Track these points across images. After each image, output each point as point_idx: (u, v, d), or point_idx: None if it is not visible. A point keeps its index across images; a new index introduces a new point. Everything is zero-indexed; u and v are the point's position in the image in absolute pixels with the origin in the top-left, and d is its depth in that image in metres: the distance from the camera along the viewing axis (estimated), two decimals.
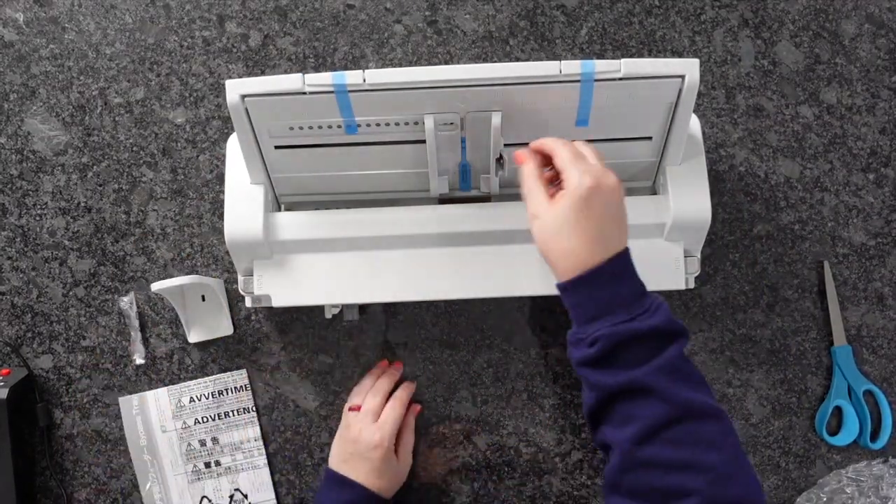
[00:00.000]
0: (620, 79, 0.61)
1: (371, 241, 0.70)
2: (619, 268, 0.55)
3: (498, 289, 0.70)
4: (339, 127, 0.64)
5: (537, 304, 0.80)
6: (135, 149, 0.81)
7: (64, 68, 0.81)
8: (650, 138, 0.68)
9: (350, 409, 0.75)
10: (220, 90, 0.81)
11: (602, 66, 0.60)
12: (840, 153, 0.82)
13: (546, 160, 0.60)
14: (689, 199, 0.69)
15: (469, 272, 0.70)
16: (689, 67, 0.61)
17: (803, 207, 0.82)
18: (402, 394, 0.75)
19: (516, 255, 0.70)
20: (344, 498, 0.69)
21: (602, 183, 0.55)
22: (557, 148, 0.58)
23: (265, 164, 0.68)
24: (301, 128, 0.64)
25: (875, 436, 0.80)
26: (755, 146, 0.82)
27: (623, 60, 0.60)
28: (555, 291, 0.58)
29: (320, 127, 0.64)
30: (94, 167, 0.80)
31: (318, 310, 0.80)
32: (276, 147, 0.66)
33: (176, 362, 0.80)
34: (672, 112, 0.65)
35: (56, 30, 0.81)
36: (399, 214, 0.69)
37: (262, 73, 0.81)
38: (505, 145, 0.66)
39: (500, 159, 0.66)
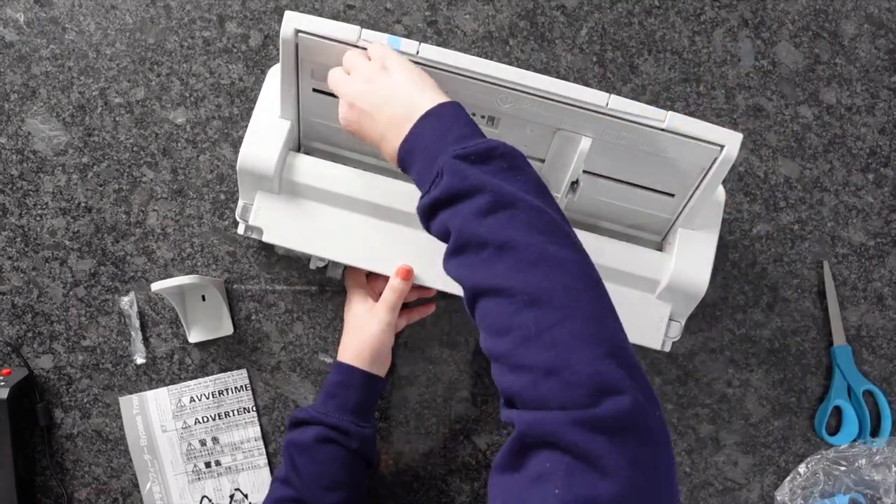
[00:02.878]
0: (662, 129, 0.61)
1: (379, 209, 0.68)
2: (428, 124, 0.52)
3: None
4: None
5: None
6: (135, 149, 0.81)
7: (64, 68, 0.81)
8: (672, 195, 0.68)
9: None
10: (220, 90, 0.81)
11: (649, 112, 0.60)
12: (840, 153, 0.82)
13: None
14: (691, 266, 0.68)
15: None
16: (731, 140, 0.61)
17: (803, 207, 0.82)
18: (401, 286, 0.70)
19: None
20: (333, 378, 0.69)
21: (353, 97, 0.57)
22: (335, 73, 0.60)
23: (299, 103, 0.68)
24: None
25: (875, 436, 0.80)
26: (755, 146, 0.82)
27: (669, 113, 0.60)
28: None
29: None
30: (95, 167, 0.81)
31: (319, 310, 0.80)
32: (314, 90, 0.67)
33: (176, 362, 0.80)
34: (702, 177, 0.64)
35: (56, 30, 0.81)
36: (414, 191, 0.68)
37: (262, 73, 0.81)
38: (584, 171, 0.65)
39: (575, 183, 0.65)
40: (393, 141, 0.55)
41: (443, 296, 0.80)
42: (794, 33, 0.83)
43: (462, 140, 0.51)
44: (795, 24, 0.83)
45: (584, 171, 0.65)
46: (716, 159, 0.62)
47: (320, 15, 0.81)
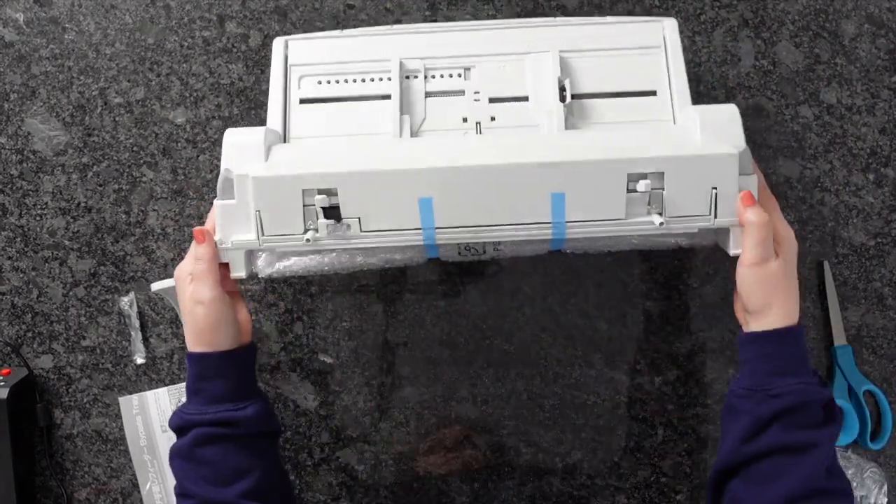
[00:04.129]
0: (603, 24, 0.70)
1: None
2: (802, 337, 0.60)
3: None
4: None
5: (537, 305, 0.80)
6: (135, 149, 0.81)
7: (64, 68, 0.81)
8: (654, 92, 0.68)
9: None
10: (220, 90, 0.81)
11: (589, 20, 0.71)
12: (840, 153, 0.82)
13: None
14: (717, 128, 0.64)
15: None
16: (666, 22, 0.70)
17: (803, 207, 0.82)
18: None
19: None
20: (191, 373, 0.61)
21: (795, 244, 0.62)
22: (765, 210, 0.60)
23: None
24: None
25: (875, 436, 0.80)
26: (755, 146, 0.82)
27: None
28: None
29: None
30: (95, 167, 0.80)
31: (319, 310, 0.80)
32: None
33: (176, 362, 0.80)
34: (666, 61, 0.69)
35: (56, 30, 0.81)
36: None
37: (262, 73, 0.81)
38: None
39: (563, 90, 0.66)
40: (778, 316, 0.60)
41: (443, 296, 0.80)
42: (795, 33, 0.83)
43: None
44: (796, 23, 0.83)
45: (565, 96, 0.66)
46: (665, 37, 0.66)
47: (320, 15, 0.81)
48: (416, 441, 0.80)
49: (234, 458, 0.59)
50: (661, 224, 0.60)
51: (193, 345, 0.61)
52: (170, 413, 0.79)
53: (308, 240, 0.61)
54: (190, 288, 0.61)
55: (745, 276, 0.59)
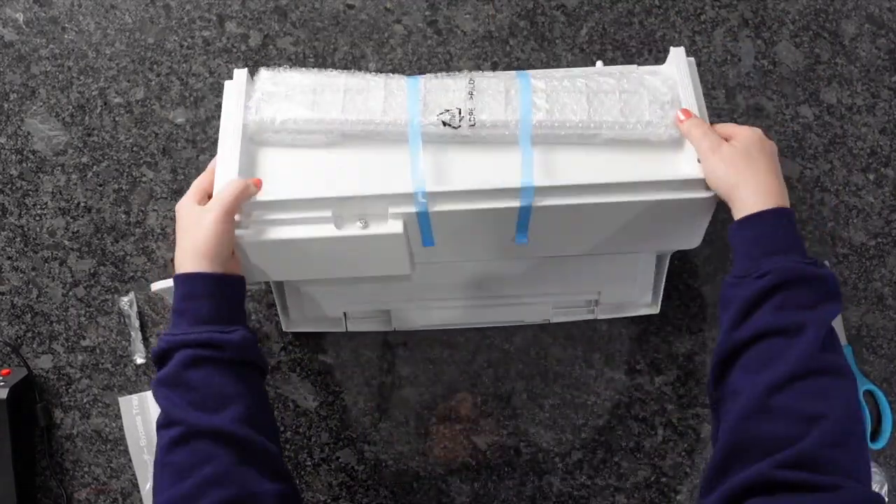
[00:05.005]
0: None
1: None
2: (789, 219, 0.58)
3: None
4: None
5: None
6: (135, 149, 0.81)
7: (64, 68, 0.81)
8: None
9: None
10: (220, 90, 0.81)
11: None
12: (840, 153, 0.82)
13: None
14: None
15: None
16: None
17: (803, 207, 0.82)
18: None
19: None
20: (177, 293, 0.58)
21: (766, 138, 0.62)
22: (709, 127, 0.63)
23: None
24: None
25: (875, 436, 0.80)
26: None
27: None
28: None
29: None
30: (94, 167, 0.80)
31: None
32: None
33: None
34: None
35: (56, 30, 0.81)
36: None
37: None
38: None
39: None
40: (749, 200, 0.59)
41: None
42: (795, 33, 0.83)
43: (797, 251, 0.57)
44: (796, 23, 0.83)
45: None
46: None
47: (320, 15, 0.81)
48: (416, 441, 0.80)
49: (221, 383, 0.56)
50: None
51: (187, 264, 0.59)
52: None
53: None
54: (210, 203, 0.60)
55: (706, 168, 0.62)
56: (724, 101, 0.82)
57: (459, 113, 0.65)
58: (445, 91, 0.67)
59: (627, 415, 0.81)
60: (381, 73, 0.69)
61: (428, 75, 0.68)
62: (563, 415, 0.81)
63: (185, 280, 0.58)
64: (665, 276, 0.76)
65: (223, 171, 0.63)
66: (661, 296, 0.77)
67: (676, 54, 0.68)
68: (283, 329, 0.78)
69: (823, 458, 0.47)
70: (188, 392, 0.54)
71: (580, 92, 0.66)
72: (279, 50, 0.81)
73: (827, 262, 0.81)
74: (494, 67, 0.82)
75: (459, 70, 0.82)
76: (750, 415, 0.51)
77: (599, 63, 0.74)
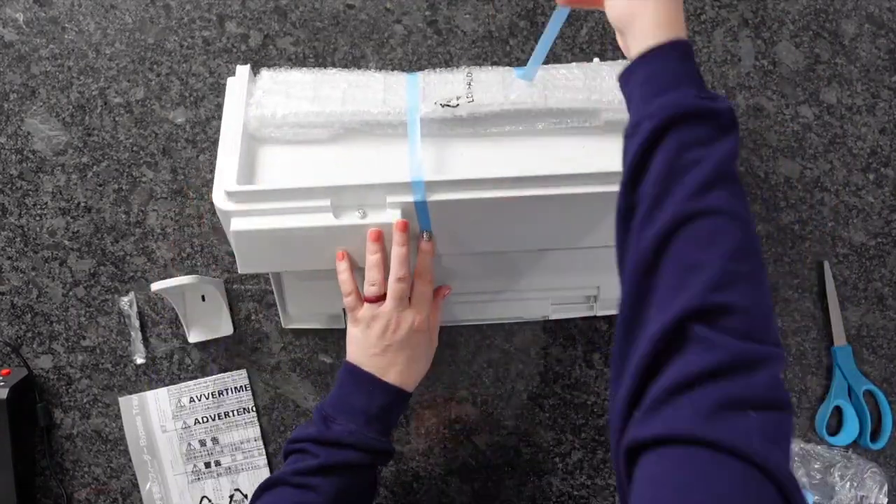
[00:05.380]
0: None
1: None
2: (685, 51, 0.50)
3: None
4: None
5: None
6: (135, 149, 0.81)
7: (64, 68, 0.81)
8: None
9: (364, 299, 0.64)
10: (220, 90, 0.81)
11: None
12: (840, 153, 0.82)
13: None
14: None
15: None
16: None
17: (803, 207, 0.82)
18: (425, 265, 0.65)
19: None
20: (379, 401, 0.62)
21: None
22: None
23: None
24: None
25: (875, 436, 0.80)
26: (755, 146, 0.82)
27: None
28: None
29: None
30: (94, 167, 0.80)
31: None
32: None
33: (176, 362, 0.80)
34: None
35: (56, 30, 0.81)
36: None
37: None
38: None
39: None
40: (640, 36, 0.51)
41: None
42: (795, 33, 0.83)
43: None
44: (796, 23, 0.83)
45: None
46: None
47: (320, 15, 0.81)
48: (416, 441, 0.80)
49: (369, 483, 0.64)
50: None
51: (402, 381, 0.64)
52: (170, 413, 0.79)
53: None
54: (429, 328, 0.66)
55: (607, 4, 0.54)
56: None
57: (458, 98, 0.67)
58: (444, 84, 0.68)
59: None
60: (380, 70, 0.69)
61: (426, 71, 0.69)
62: (563, 415, 0.81)
63: (393, 392, 0.63)
64: None
65: (224, 168, 0.63)
66: None
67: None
68: (283, 326, 0.78)
69: (709, 307, 0.42)
70: (343, 479, 0.61)
71: (578, 79, 0.68)
72: (279, 50, 0.81)
73: (826, 263, 0.81)
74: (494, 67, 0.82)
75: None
76: (640, 270, 0.45)
77: (596, 60, 0.75)
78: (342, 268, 0.65)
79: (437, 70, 0.70)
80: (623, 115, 0.60)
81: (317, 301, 0.76)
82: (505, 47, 0.82)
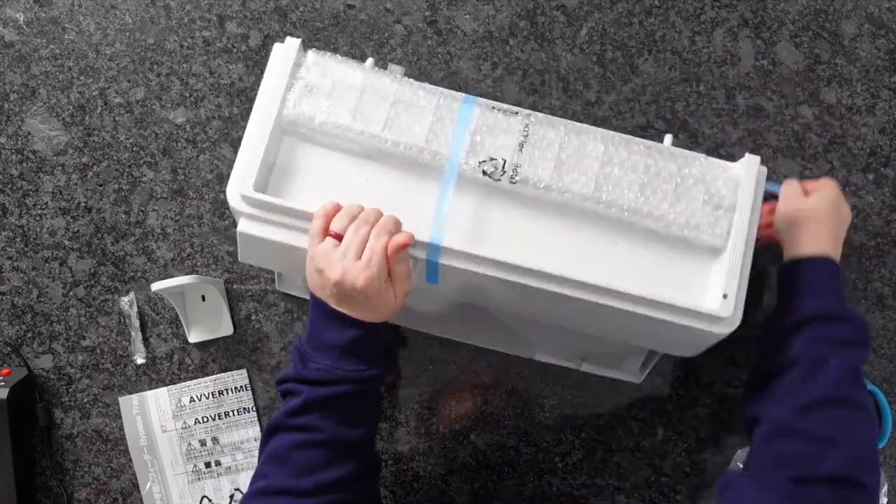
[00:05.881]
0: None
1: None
2: (839, 272, 0.67)
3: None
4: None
5: None
6: (135, 149, 0.81)
7: (64, 68, 0.81)
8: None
9: (325, 232, 0.60)
10: (220, 90, 0.81)
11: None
12: (840, 153, 0.82)
13: None
14: None
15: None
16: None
17: None
18: (387, 222, 0.60)
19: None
20: (348, 335, 0.60)
21: (845, 202, 0.69)
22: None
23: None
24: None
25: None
26: (755, 146, 0.82)
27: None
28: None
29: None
30: (95, 167, 0.80)
31: None
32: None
33: (176, 362, 0.80)
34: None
35: (56, 30, 0.81)
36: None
37: (262, 73, 0.81)
38: None
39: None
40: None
41: None
42: (795, 33, 0.83)
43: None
44: (796, 23, 0.83)
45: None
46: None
47: (320, 15, 0.82)
48: (416, 441, 0.80)
49: (366, 410, 0.62)
50: None
51: (385, 318, 0.61)
52: (170, 413, 0.79)
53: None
54: (374, 271, 0.59)
55: (784, 195, 0.69)
56: (724, 101, 0.82)
57: (504, 165, 0.63)
58: (498, 131, 0.63)
59: (627, 415, 0.81)
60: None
61: (484, 103, 0.64)
62: (563, 415, 0.81)
63: (366, 326, 0.61)
64: (658, 358, 0.76)
65: (244, 163, 0.62)
66: (648, 370, 0.78)
67: (750, 163, 0.64)
68: (276, 288, 0.78)
69: (843, 477, 0.57)
70: (337, 413, 0.60)
71: (636, 170, 0.63)
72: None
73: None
74: (494, 67, 0.82)
75: (459, 71, 0.82)
76: (772, 433, 0.61)
77: (668, 138, 0.68)
78: (331, 203, 0.61)
79: (496, 107, 0.64)
80: (665, 229, 0.63)
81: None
82: (505, 47, 0.82)
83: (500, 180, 0.63)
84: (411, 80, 0.65)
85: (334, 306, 0.60)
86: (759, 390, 0.65)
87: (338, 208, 0.61)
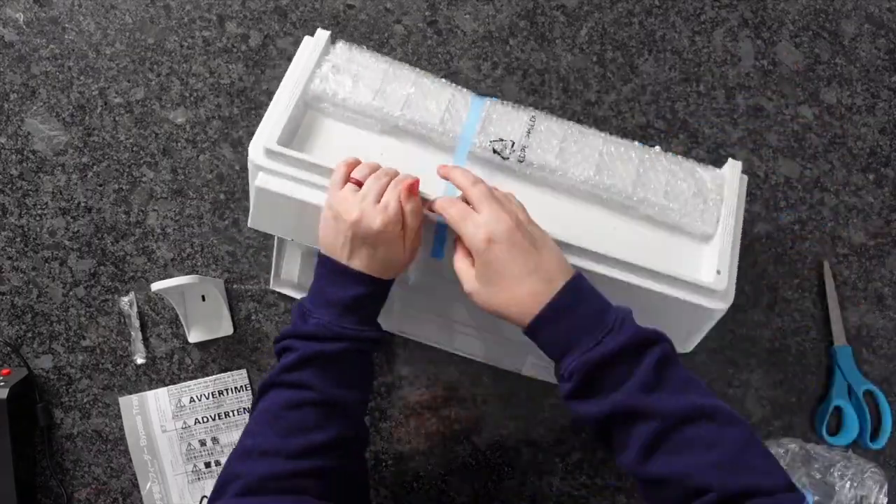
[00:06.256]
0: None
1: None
2: (568, 298, 0.54)
3: None
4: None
5: None
6: (135, 149, 0.81)
7: (64, 68, 0.81)
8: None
9: (346, 179, 0.61)
10: (220, 90, 0.81)
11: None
12: (840, 153, 0.82)
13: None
14: None
15: None
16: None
17: (803, 207, 0.82)
18: (407, 177, 0.61)
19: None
20: (352, 292, 0.60)
21: (494, 234, 0.55)
22: (447, 209, 0.59)
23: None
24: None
25: (875, 436, 0.80)
26: (755, 146, 0.82)
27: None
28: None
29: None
30: (95, 167, 0.80)
31: None
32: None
33: (176, 362, 0.80)
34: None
35: (56, 30, 0.81)
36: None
37: (262, 73, 0.81)
38: None
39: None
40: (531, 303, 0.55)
41: None
42: (795, 33, 0.83)
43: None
44: (796, 23, 0.83)
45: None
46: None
47: (320, 15, 0.82)
48: (416, 441, 0.80)
49: (364, 371, 0.62)
50: None
51: (377, 270, 0.60)
52: (170, 413, 0.79)
53: None
54: (391, 214, 0.59)
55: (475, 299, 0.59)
56: (723, 101, 0.82)
57: (512, 146, 0.67)
58: (507, 120, 0.68)
59: None
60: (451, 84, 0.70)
61: (494, 101, 0.69)
62: (563, 415, 0.81)
63: (371, 282, 0.60)
64: None
65: (269, 124, 0.64)
66: None
67: (733, 166, 0.69)
68: (270, 286, 0.78)
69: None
70: (335, 372, 0.59)
71: (632, 162, 0.67)
72: (279, 50, 0.81)
73: (826, 263, 0.81)
74: (494, 67, 0.82)
75: (459, 71, 0.82)
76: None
77: (657, 148, 0.71)
78: (352, 157, 0.63)
79: (504, 103, 0.69)
80: (659, 214, 0.67)
81: (307, 275, 0.76)
82: (505, 47, 0.82)
83: (508, 158, 0.67)
84: (429, 73, 0.70)
85: (342, 259, 0.60)
86: (606, 441, 0.55)
87: (358, 162, 0.63)
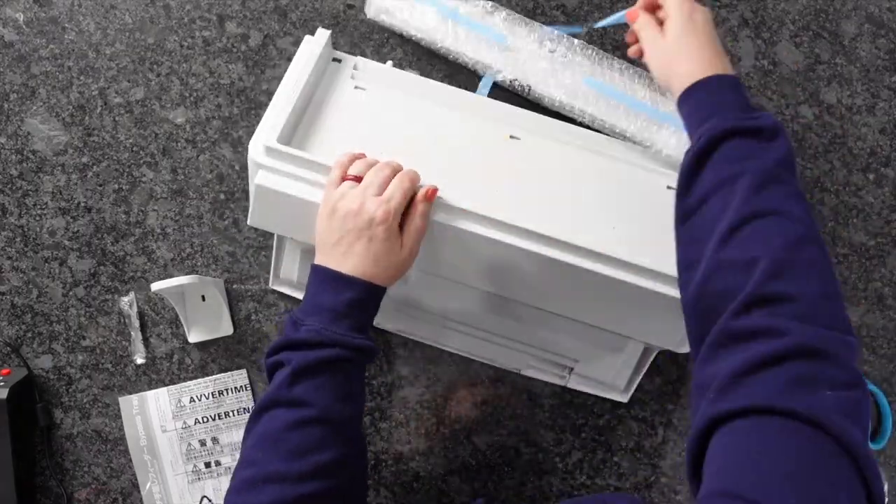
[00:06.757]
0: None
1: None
2: (728, 83, 0.60)
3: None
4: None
5: None
6: (135, 149, 0.81)
7: (64, 68, 0.81)
8: None
9: (343, 178, 0.61)
10: (220, 90, 0.81)
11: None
12: (840, 153, 0.82)
13: (653, 6, 0.68)
14: None
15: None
16: None
17: None
18: (409, 171, 0.61)
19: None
20: (344, 297, 0.58)
21: (697, 7, 0.64)
22: None
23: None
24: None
25: (875, 436, 0.80)
26: None
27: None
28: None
29: None
30: (94, 167, 0.80)
31: None
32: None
33: (176, 362, 0.80)
34: None
35: (56, 30, 0.81)
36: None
37: (262, 73, 0.81)
38: None
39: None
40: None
41: None
42: (795, 33, 0.83)
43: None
44: (796, 23, 0.83)
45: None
46: None
47: (320, 15, 0.81)
48: (416, 441, 0.80)
49: (355, 383, 0.60)
50: None
51: (371, 275, 0.59)
52: (170, 413, 0.79)
53: None
54: (406, 241, 0.60)
55: (648, 58, 0.67)
56: None
57: (529, 89, 0.76)
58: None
59: (627, 415, 0.81)
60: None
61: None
62: (563, 415, 0.81)
63: (364, 288, 0.59)
64: (644, 371, 0.76)
65: (270, 121, 0.65)
66: (633, 388, 0.78)
67: None
68: (269, 285, 0.78)
69: (768, 295, 0.47)
70: (326, 383, 0.57)
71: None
72: (279, 50, 0.81)
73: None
74: None
75: (460, 70, 0.82)
76: (703, 280, 0.51)
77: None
78: (349, 153, 0.63)
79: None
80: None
81: (306, 274, 0.75)
82: None
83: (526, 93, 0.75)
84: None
85: (336, 259, 0.59)
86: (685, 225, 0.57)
87: (356, 156, 0.63)
